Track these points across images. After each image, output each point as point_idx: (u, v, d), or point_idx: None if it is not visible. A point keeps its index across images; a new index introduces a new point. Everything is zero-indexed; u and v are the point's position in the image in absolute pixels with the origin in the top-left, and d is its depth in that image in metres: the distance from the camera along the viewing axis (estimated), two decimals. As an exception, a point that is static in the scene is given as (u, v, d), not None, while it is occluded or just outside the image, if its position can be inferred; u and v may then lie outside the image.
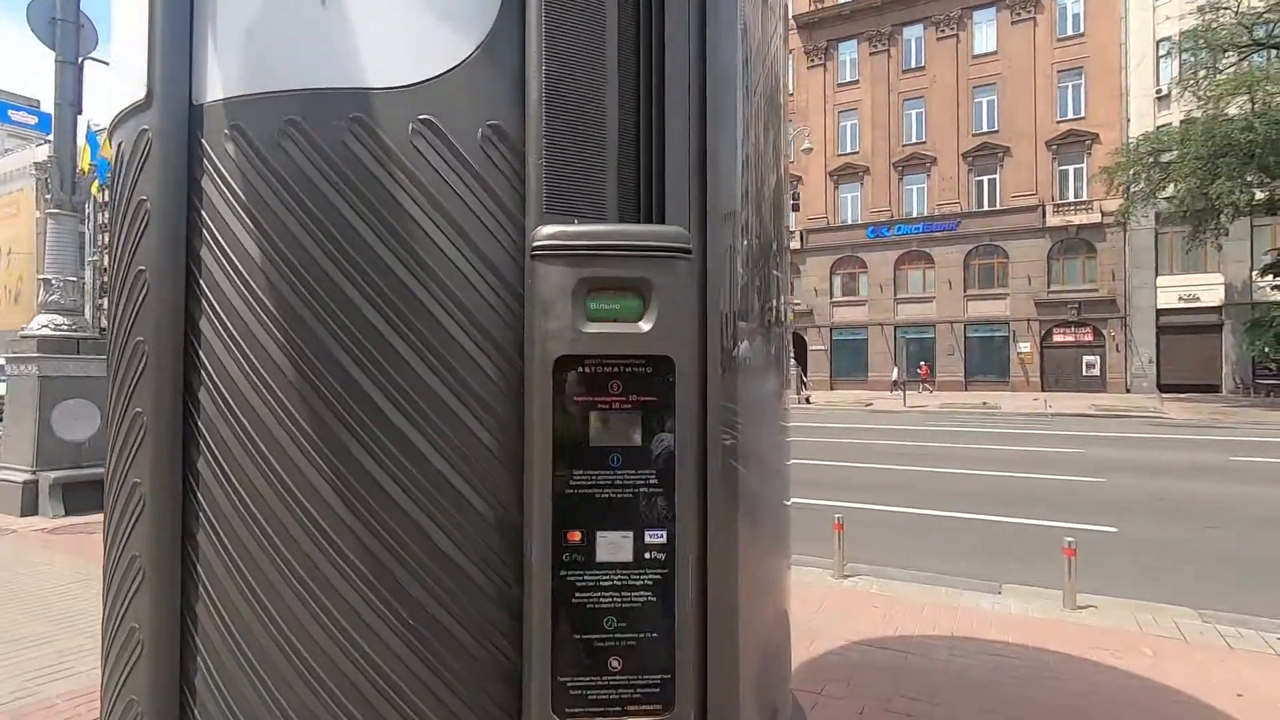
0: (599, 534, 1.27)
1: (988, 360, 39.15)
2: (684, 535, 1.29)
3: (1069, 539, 5.59)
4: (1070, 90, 37.52)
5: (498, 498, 1.34)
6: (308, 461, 1.33)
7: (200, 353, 1.39)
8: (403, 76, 1.33)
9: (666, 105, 1.41)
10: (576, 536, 1.26)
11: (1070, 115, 37.56)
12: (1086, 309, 36.73)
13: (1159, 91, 34.97)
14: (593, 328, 1.26)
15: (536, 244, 1.27)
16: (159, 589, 1.39)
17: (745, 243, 1.67)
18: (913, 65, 41.20)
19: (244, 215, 1.36)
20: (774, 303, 2.02)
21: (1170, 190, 28.85)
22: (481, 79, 1.35)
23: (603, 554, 1.27)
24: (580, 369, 1.26)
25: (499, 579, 1.34)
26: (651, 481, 1.28)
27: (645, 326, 1.27)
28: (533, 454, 1.27)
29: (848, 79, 43.24)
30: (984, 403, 30.70)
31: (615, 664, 1.26)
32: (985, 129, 39.31)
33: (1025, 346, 38.08)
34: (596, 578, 1.27)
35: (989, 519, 9.37)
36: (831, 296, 42.72)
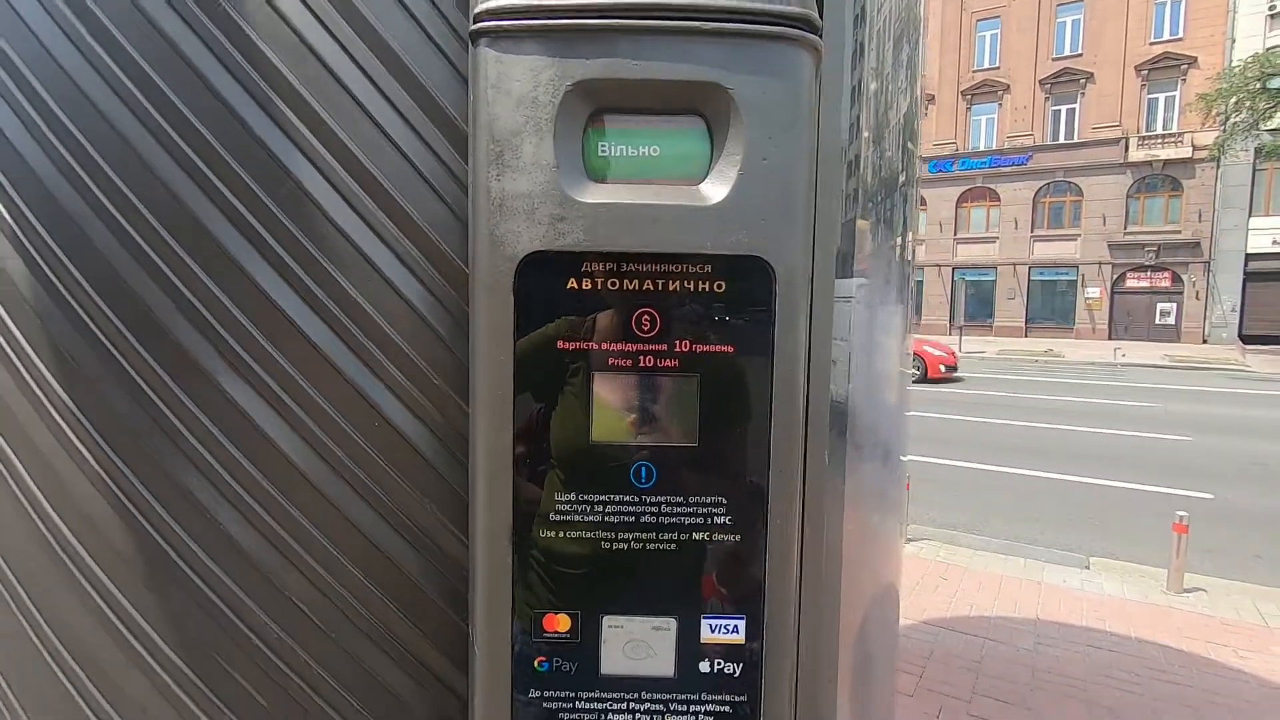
0: (606, 621, 0.63)
1: (1051, 305, 37.00)
2: (781, 629, 0.63)
3: (1181, 513, 4.80)
4: (1168, 7, 33.81)
5: (428, 534, 0.71)
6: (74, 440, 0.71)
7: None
8: None
9: None
10: (560, 624, 0.62)
11: (1166, 35, 33.96)
12: (1166, 252, 34.10)
13: (1272, 8, 31.27)
14: (600, 194, 0.59)
15: (484, 6, 0.59)
16: None
17: (856, 181, 0.99)
18: (990, -20, 37.70)
19: None
20: (897, 240, 1.36)
21: (1277, 120, 26.08)
22: None
23: (614, 659, 0.63)
24: (573, 282, 0.59)
25: (439, 686, 0.72)
26: (718, 519, 0.62)
27: (715, 193, 0.59)
28: (477, 456, 0.62)
29: (916, -3, 39.89)
30: (1047, 350, 29.03)
31: None
32: (1068, 52, 35.94)
33: (1094, 291, 35.78)
34: (600, 706, 0.63)
35: (1061, 478, 8.54)
36: (886, 235, 40.59)
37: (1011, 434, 11.62)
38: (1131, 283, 35.78)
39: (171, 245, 0.68)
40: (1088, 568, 5.32)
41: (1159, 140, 35.01)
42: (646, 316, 0.59)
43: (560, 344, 0.60)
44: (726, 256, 0.58)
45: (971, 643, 4.05)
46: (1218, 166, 32.30)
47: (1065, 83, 37.05)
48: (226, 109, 0.65)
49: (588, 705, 0.63)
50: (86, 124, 0.67)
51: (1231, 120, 28.14)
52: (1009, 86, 38.30)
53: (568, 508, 0.61)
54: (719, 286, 0.59)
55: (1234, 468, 9.36)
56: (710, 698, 0.63)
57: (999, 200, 38.60)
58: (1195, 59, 34.09)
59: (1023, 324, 38.86)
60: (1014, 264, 38.20)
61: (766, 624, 0.62)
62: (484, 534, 0.63)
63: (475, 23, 0.59)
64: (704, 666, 0.63)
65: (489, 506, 0.62)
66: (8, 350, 0.71)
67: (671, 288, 0.59)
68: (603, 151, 0.59)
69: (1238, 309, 33.36)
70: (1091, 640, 4.10)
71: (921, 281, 40.60)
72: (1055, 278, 37.53)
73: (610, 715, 0.63)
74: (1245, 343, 31.49)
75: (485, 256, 0.59)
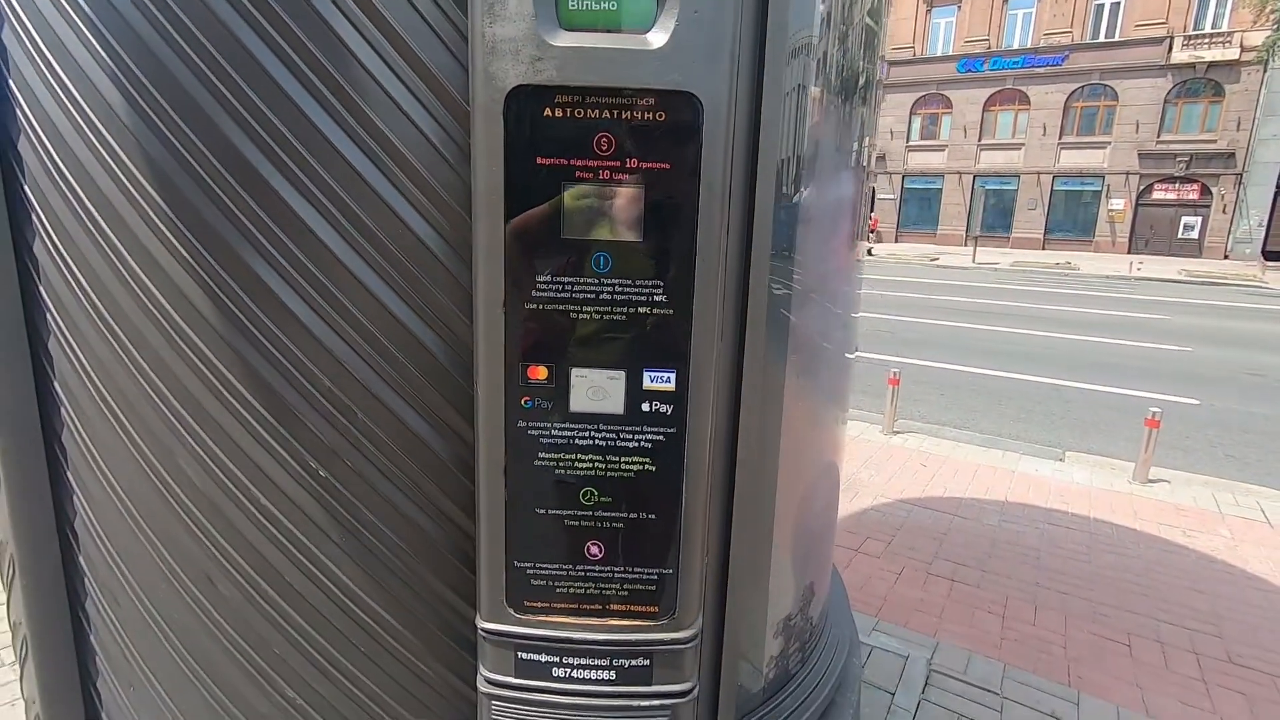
0: (574, 372, 0.85)
1: (1072, 217, 35.89)
2: (701, 381, 0.86)
3: (1154, 409, 5.04)
4: (1234, -113, 30.98)
5: (439, 315, 0.93)
6: (183, 270, 0.93)
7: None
8: None
9: None
10: (540, 373, 0.85)
11: (1228, -80, 31.32)
12: (1198, 163, 32.67)
13: (1349, -111, 28.53)
14: (569, 39, 0.76)
15: (476, -118, 0.74)
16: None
17: (820, 82, 1.11)
18: None
19: None
20: (854, 145, 1.46)
21: (1335, 19, 24.41)
22: None
23: (579, 400, 0.86)
24: (548, 110, 0.78)
25: (450, 431, 0.96)
26: (656, 298, 0.83)
27: (657, 40, 0.76)
28: (477, 245, 0.83)
29: None
30: (1067, 262, 28.57)
31: (594, 550, 0.89)
32: (1118, -63, 33.31)
33: (1119, 203, 34.64)
34: (569, 433, 0.87)
35: (1056, 383, 8.79)
36: (908, 140, 39.03)
37: (1014, 341, 11.78)
38: (1158, 194, 34.56)
39: (235, 78, 0.86)
40: (1062, 460, 5.63)
41: (1205, 40, 32.82)
42: (604, 139, 0.78)
43: (539, 160, 0.79)
44: (665, 91, 0.76)
45: (940, 518, 4.41)
46: (1265, 70, 30.48)
47: (1112, -28, 34.41)
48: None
49: (560, 433, 0.86)
50: (167, -21, 0.84)
51: (1286, 18, 26.30)
52: (1051, -24, 35.67)
53: (545, 286, 0.83)
54: (660, 116, 0.77)
55: (1226, 376, 9.55)
56: (649, 429, 0.86)
57: (1029, 104, 36.73)
58: (1256, -52, 31.44)
59: (1040, 236, 37.83)
60: (1038, 173, 36.82)
61: (691, 375, 0.84)
62: (483, 305, 0.84)
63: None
64: (645, 406, 0.85)
65: (486, 285, 0.83)
66: (111, 163, 0.91)
67: (623, 116, 0.77)
68: (572, 5, 0.76)
69: (1265, 224, 32.35)
70: (1051, 519, 4.45)
71: (940, 190, 39.40)
72: (1080, 188, 36.20)
73: (577, 440, 0.86)
74: (1267, 259, 30.77)
75: (482, 89, 0.77)
